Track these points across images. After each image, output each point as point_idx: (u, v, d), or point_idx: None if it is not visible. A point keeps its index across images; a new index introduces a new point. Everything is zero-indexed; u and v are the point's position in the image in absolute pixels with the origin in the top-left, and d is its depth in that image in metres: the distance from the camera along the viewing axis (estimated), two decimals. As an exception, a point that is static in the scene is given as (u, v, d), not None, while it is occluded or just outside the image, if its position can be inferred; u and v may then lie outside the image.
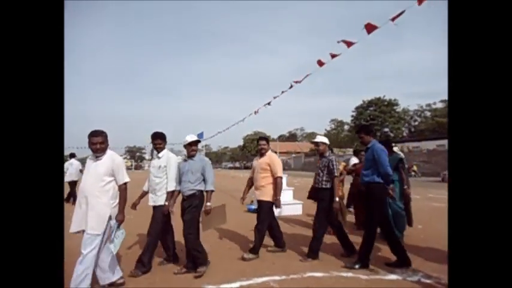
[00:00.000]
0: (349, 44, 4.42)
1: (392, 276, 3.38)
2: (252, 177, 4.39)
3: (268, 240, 4.84)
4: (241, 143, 65.34)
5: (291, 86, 6.93)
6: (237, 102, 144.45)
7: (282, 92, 7.39)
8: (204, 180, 3.61)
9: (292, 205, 7.36)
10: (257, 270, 3.56)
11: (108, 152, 3.08)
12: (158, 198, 3.61)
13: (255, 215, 4.22)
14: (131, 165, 66.68)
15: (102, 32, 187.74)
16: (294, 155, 48.13)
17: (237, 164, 68.40)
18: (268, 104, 8.49)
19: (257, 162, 4.31)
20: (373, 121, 41.66)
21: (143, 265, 3.46)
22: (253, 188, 4.37)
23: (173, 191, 3.61)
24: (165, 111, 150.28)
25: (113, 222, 2.97)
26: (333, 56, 4.75)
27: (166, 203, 3.55)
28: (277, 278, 3.36)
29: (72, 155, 10.39)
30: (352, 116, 44.93)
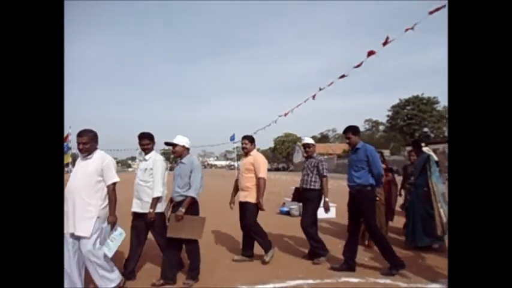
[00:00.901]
0: (385, 42, 4.26)
1: (435, 285, 3.18)
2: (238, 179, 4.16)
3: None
4: (272, 145, 65.32)
5: (321, 89, 6.80)
6: (267, 104, 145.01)
7: (313, 96, 7.26)
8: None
9: (325, 208, 7.19)
10: (290, 273, 3.54)
11: (98, 151, 2.99)
12: (146, 205, 3.31)
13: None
14: (167, 167, 69.93)
15: (141, 42, 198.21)
16: (326, 157, 47.08)
17: (268, 166, 68.32)
18: (297, 106, 8.37)
19: (241, 163, 4.15)
20: (411, 120, 39.55)
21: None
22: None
23: (158, 197, 3.32)
24: (197, 114, 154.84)
25: (105, 224, 2.86)
26: (369, 53, 4.58)
27: (151, 210, 3.27)
28: (311, 281, 3.31)
29: None
30: (388, 115, 43.01)
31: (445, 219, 4.01)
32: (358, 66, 4.95)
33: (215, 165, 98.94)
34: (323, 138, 69.00)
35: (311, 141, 4.26)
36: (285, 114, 9.58)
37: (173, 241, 3.21)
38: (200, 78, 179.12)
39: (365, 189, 3.57)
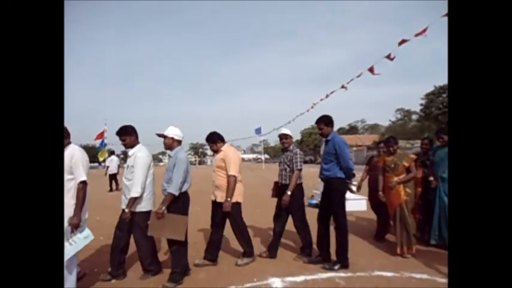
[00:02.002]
0: (422, 32, 4.02)
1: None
2: None
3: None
4: (299, 137, 64.74)
5: (343, 87, 6.59)
6: (295, 97, 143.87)
7: (342, 86, 7.08)
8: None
9: (355, 200, 7.04)
10: (321, 266, 3.51)
11: (70, 147, 2.79)
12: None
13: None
14: (195, 160, 72.69)
15: (169, 38, 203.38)
16: (355, 149, 45.84)
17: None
18: (326, 97, 8.20)
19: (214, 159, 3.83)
20: (448, 108, 37.27)
21: (149, 271, 3.33)
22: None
23: (135, 198, 3.09)
24: (224, 108, 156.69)
25: (66, 225, 2.62)
26: (401, 42, 4.34)
27: (126, 210, 3.09)
28: (342, 274, 3.26)
29: (112, 152, 13.40)
30: (422, 104, 40.72)
31: None
32: (389, 57, 4.72)
33: (243, 159, 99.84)
34: (352, 130, 67.14)
35: (288, 131, 3.92)
36: (312, 107, 9.42)
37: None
38: (225, 73, 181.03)
39: (333, 181, 3.51)
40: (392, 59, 4.84)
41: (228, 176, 3.50)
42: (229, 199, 3.46)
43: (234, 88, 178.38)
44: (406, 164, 4.01)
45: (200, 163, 72.24)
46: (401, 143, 34.89)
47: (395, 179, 3.99)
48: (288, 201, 3.66)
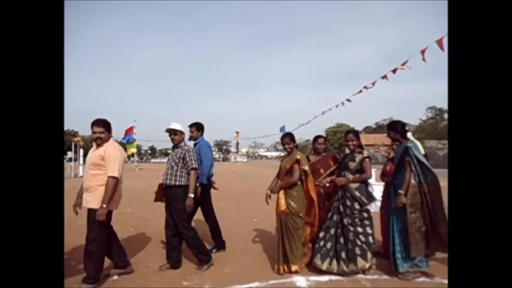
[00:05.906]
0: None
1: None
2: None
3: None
4: (323, 135, 63.66)
5: (383, 75, 6.35)
6: (321, 94, 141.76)
7: (373, 83, 6.83)
8: None
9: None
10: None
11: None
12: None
13: None
14: (219, 157, 74.34)
15: (198, 37, 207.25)
16: (382, 149, 44.38)
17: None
18: (360, 91, 7.85)
19: (89, 156, 3.13)
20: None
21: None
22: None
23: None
24: (248, 106, 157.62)
25: None
26: (440, 43, 4.07)
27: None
28: (369, 277, 3.20)
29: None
30: (455, 102, 38.61)
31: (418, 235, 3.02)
32: (423, 55, 4.47)
33: (265, 156, 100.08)
34: (378, 129, 64.92)
35: (178, 127, 3.47)
36: (343, 103, 9.13)
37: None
38: (248, 71, 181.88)
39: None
40: (423, 57, 4.62)
41: (108, 177, 2.93)
42: (104, 206, 2.87)
43: (258, 85, 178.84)
44: (287, 166, 3.40)
45: (224, 160, 73.94)
46: (433, 143, 33.25)
47: (279, 183, 3.45)
48: (191, 205, 3.29)
